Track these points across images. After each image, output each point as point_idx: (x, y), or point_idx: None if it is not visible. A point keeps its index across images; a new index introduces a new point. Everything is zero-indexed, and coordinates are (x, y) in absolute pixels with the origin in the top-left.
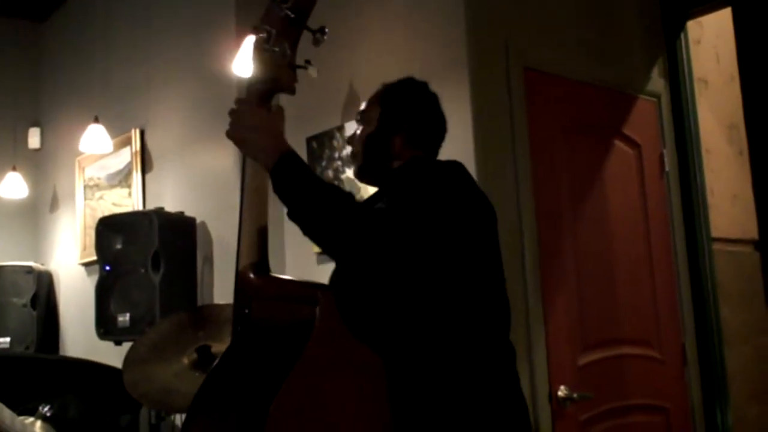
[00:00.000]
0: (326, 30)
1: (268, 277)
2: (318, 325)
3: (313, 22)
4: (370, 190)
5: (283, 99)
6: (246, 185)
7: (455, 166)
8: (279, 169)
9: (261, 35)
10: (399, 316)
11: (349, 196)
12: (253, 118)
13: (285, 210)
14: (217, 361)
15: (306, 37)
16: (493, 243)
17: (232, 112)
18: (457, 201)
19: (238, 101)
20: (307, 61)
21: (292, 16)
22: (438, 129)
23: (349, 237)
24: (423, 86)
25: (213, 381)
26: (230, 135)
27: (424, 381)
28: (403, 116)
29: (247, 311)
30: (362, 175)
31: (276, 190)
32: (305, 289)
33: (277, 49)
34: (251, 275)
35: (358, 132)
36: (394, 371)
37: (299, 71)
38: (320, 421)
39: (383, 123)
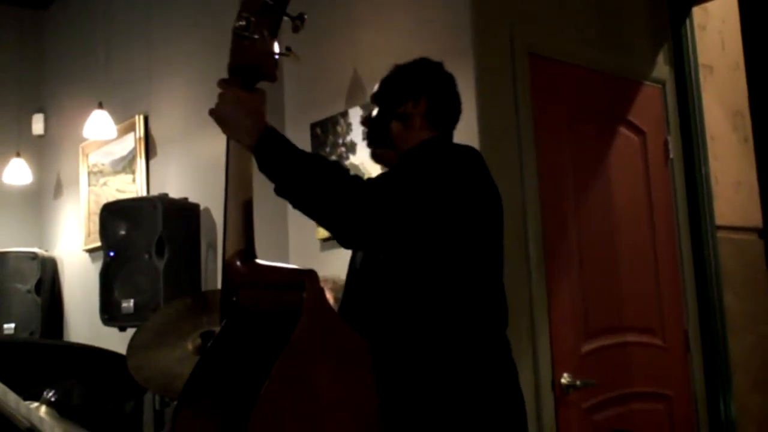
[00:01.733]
0: (305, 16)
1: (254, 264)
2: (305, 311)
3: (317, 10)
4: (375, 174)
5: (286, 84)
6: (229, 172)
7: (472, 152)
8: (261, 147)
9: (240, 23)
10: (395, 305)
11: (335, 164)
12: (233, 99)
13: (272, 186)
14: (206, 349)
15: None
16: (497, 234)
17: (218, 95)
18: (466, 186)
19: (221, 82)
20: (288, 48)
21: (271, 3)
22: (455, 109)
23: (339, 203)
24: (439, 65)
25: (202, 369)
26: (213, 114)
27: (418, 368)
28: (423, 94)
29: (234, 299)
30: (378, 156)
31: (261, 168)
32: (292, 274)
33: (256, 36)
34: (238, 263)
35: (375, 112)
36: (387, 358)
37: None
38: (308, 407)
39: (401, 101)
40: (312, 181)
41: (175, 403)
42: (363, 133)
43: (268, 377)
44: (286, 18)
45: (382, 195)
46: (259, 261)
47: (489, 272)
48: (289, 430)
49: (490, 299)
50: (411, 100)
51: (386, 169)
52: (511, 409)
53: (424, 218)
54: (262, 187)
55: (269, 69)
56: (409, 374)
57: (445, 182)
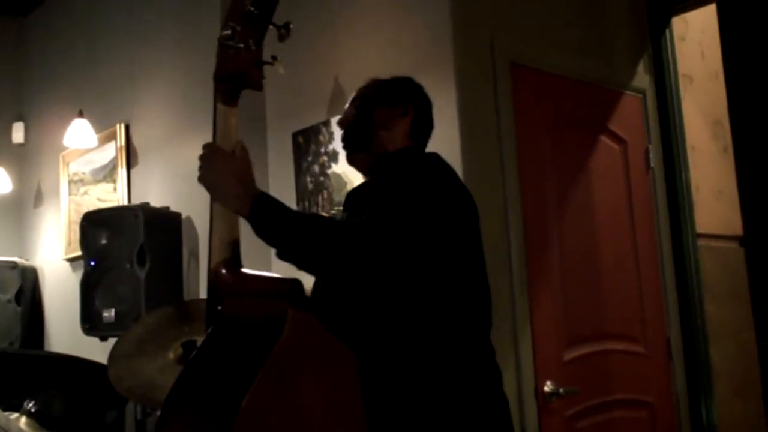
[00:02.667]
0: (291, 26)
1: (239, 272)
2: (289, 320)
3: (298, 18)
4: (356, 182)
5: (269, 94)
6: None
7: (437, 160)
8: (255, 217)
9: (225, 32)
10: (381, 315)
11: (330, 222)
12: (221, 165)
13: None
14: (190, 358)
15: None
16: (477, 241)
17: (201, 158)
18: (446, 202)
19: (207, 147)
20: (274, 57)
21: (256, 12)
22: (431, 127)
23: (340, 262)
24: (420, 86)
25: (186, 379)
26: (201, 181)
27: (402, 378)
28: (412, 105)
29: (219, 308)
30: (355, 160)
31: (259, 236)
32: (277, 283)
33: (241, 45)
34: (223, 271)
35: (355, 114)
36: (371, 368)
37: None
38: (292, 417)
39: (393, 107)
40: (312, 246)
41: (158, 413)
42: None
43: (251, 387)
44: (271, 27)
45: (376, 238)
46: (244, 270)
47: (471, 278)
48: None
49: (473, 305)
50: (401, 108)
51: (361, 177)
52: (496, 414)
53: (418, 244)
54: None
55: (255, 78)
56: (393, 383)
57: (425, 207)
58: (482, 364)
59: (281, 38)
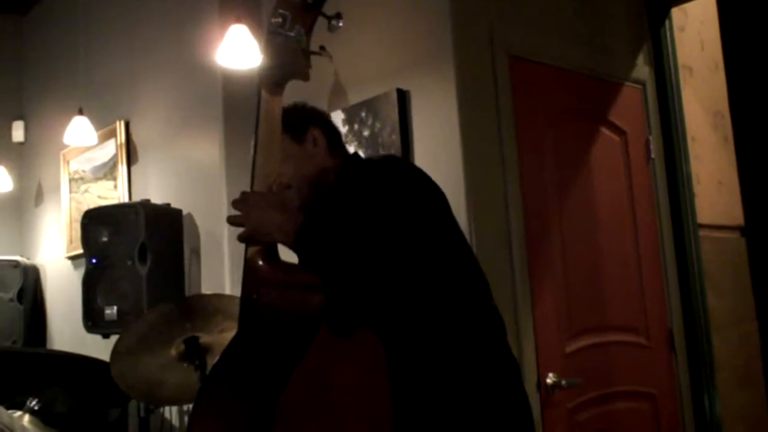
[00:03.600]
0: (342, 16)
1: (277, 263)
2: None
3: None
4: None
5: None
6: (256, 172)
7: (395, 161)
8: (300, 248)
9: (276, 19)
10: (401, 316)
11: (364, 247)
12: (264, 202)
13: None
14: (225, 348)
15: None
16: (455, 224)
17: (237, 202)
18: (420, 199)
19: (243, 194)
20: (322, 47)
21: (310, 1)
22: (339, 132)
23: (377, 284)
24: (305, 104)
25: (221, 368)
26: (244, 223)
27: (426, 377)
28: (314, 126)
29: (255, 297)
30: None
31: (304, 264)
32: (315, 275)
33: (292, 33)
34: (260, 261)
35: (283, 170)
36: (397, 366)
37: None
38: (327, 409)
39: (300, 143)
40: (355, 272)
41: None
42: None
43: (289, 382)
44: (321, 17)
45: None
46: (282, 260)
47: (466, 264)
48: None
49: (475, 290)
50: (313, 129)
51: None
52: (518, 408)
53: (425, 256)
54: None
55: (303, 68)
56: (418, 378)
57: (409, 210)
58: (501, 359)
59: (331, 29)
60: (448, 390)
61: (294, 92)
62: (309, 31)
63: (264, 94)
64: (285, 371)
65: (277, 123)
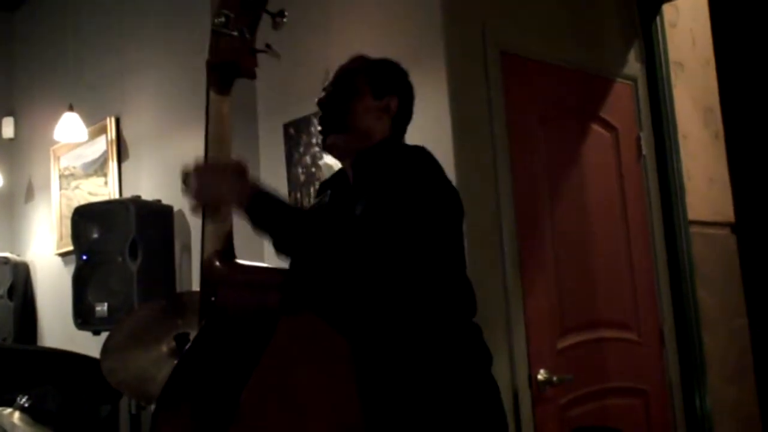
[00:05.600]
0: (285, 13)
1: (233, 263)
2: (284, 311)
3: (288, 8)
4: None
5: (259, 84)
6: None
7: (425, 154)
8: (254, 208)
9: (219, 19)
10: (371, 302)
11: (327, 216)
12: (216, 174)
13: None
14: (185, 351)
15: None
16: (461, 235)
17: (194, 175)
18: (436, 196)
19: (197, 166)
20: (268, 45)
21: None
22: (411, 116)
23: (337, 255)
24: (406, 73)
25: (181, 372)
26: (198, 197)
27: (393, 366)
28: (396, 96)
29: (213, 299)
30: (331, 146)
31: (256, 227)
32: (272, 275)
33: (235, 33)
34: (217, 262)
35: (336, 98)
36: (362, 353)
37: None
38: (290, 408)
39: (383, 92)
40: (309, 238)
41: (152, 407)
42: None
43: (248, 382)
44: (265, 15)
45: (373, 234)
46: (238, 260)
47: (453, 265)
48: None
49: (459, 289)
50: (386, 100)
51: (337, 164)
52: (485, 396)
53: (411, 240)
54: None
55: (249, 66)
56: (383, 368)
57: (419, 194)
58: (470, 345)
59: (276, 26)
60: (411, 380)
61: (284, 88)
62: (252, 29)
63: (212, 94)
64: (245, 371)
65: (227, 122)
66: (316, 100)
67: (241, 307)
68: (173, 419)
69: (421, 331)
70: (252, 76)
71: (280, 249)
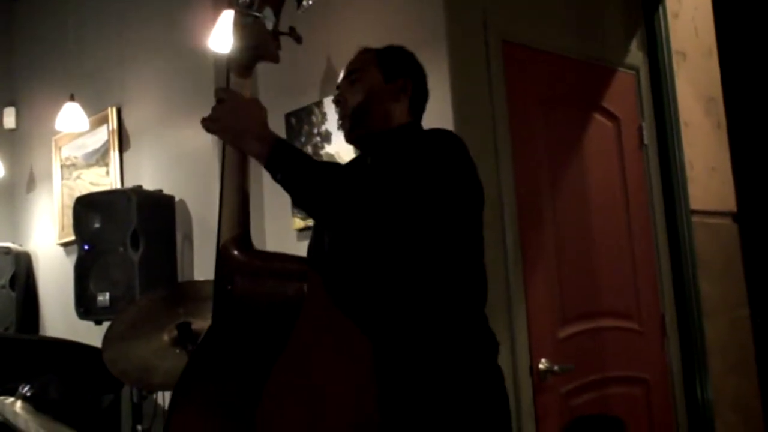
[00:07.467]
0: None
1: (252, 251)
2: (308, 303)
3: None
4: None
5: (260, 75)
6: (226, 158)
7: (449, 137)
8: (275, 160)
9: (244, 0)
10: (387, 292)
11: (350, 173)
12: (237, 106)
13: (290, 199)
14: (200, 340)
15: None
16: (479, 216)
17: (217, 103)
18: (458, 177)
19: (222, 91)
20: (292, 28)
21: None
22: (427, 97)
23: (356, 213)
24: (413, 55)
25: (197, 361)
26: (212, 124)
27: (411, 362)
28: (409, 78)
29: (229, 287)
30: (356, 138)
31: (276, 179)
32: (293, 264)
33: (260, 14)
34: (234, 250)
35: (352, 91)
36: (381, 350)
37: (284, 40)
38: (311, 400)
39: (398, 76)
40: (329, 193)
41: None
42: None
43: (271, 373)
44: None
45: (390, 192)
46: (256, 248)
47: (472, 253)
48: (292, 425)
49: (475, 277)
50: (401, 83)
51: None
52: (489, 385)
53: (425, 208)
54: None
55: (272, 49)
56: (398, 352)
57: (437, 168)
58: (477, 336)
59: (301, 8)
60: (428, 364)
61: (286, 78)
62: (278, 11)
63: (233, 77)
64: (266, 362)
65: None
66: (332, 98)
67: (258, 297)
68: (189, 410)
69: (437, 317)
70: (275, 59)
71: (297, 203)
